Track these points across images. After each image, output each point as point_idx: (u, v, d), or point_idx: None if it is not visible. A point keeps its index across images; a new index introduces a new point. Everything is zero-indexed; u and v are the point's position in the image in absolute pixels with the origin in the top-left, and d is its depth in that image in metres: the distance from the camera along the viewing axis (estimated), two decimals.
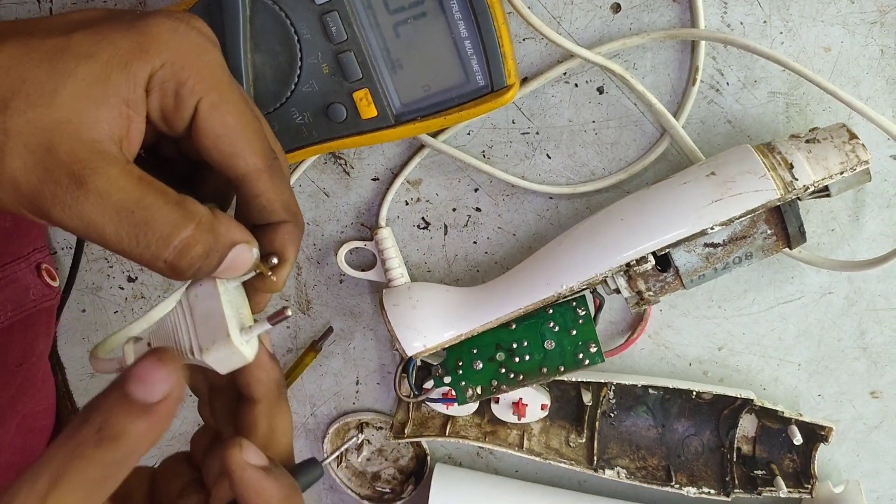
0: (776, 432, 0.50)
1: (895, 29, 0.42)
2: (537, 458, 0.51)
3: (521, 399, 0.50)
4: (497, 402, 0.51)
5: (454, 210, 0.49)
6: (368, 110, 0.42)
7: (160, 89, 0.29)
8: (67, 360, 0.55)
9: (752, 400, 0.48)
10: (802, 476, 0.50)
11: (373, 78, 0.41)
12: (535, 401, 0.50)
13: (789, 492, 0.49)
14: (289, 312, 0.32)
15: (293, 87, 0.41)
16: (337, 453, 0.54)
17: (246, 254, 0.31)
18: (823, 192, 0.41)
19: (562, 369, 0.43)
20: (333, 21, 0.40)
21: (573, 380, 0.50)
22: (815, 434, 0.49)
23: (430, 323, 0.45)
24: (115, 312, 0.53)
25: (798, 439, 0.48)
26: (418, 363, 0.47)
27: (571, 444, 0.53)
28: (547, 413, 0.51)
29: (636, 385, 0.50)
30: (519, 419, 0.50)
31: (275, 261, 0.32)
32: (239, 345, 0.31)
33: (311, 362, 0.53)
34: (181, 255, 0.28)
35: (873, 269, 0.44)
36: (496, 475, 0.56)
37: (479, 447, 0.55)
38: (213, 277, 0.31)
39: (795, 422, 0.49)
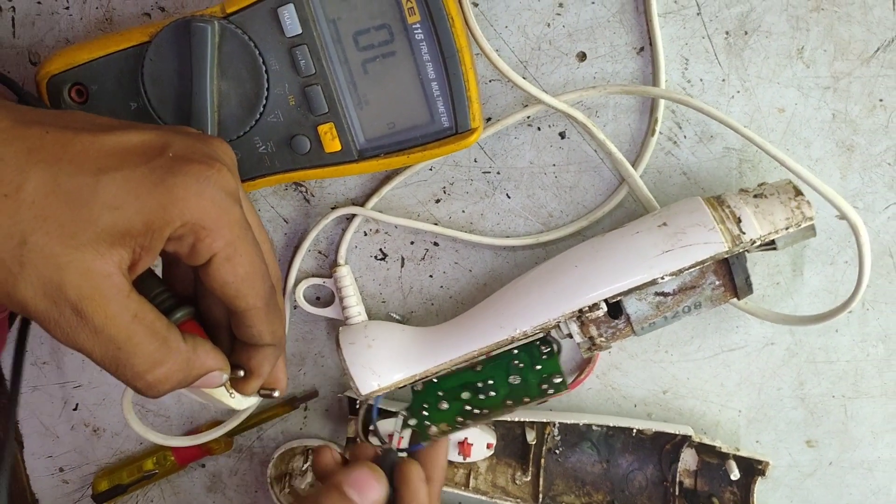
0: (717, 466, 0.51)
1: (847, 95, 0.44)
2: (483, 497, 0.52)
3: (466, 439, 0.50)
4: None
5: (412, 243, 0.49)
6: (332, 144, 0.42)
7: (177, 241, 0.31)
8: (9, 372, 0.54)
9: (690, 436, 0.49)
10: None
11: (339, 112, 0.41)
12: (480, 440, 0.51)
13: None
14: (276, 395, 0.39)
15: (258, 116, 0.41)
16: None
17: (216, 378, 0.35)
18: (770, 245, 0.42)
19: (527, 400, 0.43)
20: (303, 55, 0.40)
21: (517, 419, 0.50)
22: (753, 468, 0.50)
23: (386, 363, 0.45)
24: None
25: (735, 474, 0.49)
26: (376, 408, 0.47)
27: (517, 481, 0.53)
28: (493, 452, 0.51)
29: (578, 424, 0.50)
30: (464, 459, 0.50)
31: (241, 374, 0.37)
32: (241, 407, 0.40)
33: (282, 414, 0.53)
34: (150, 387, 0.32)
35: (815, 325, 0.46)
36: None
37: None
38: None
39: (733, 457, 0.50)
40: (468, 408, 0.43)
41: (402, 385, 0.45)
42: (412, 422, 0.44)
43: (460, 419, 0.43)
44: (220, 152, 0.33)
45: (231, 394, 0.37)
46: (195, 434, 0.53)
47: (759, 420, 0.51)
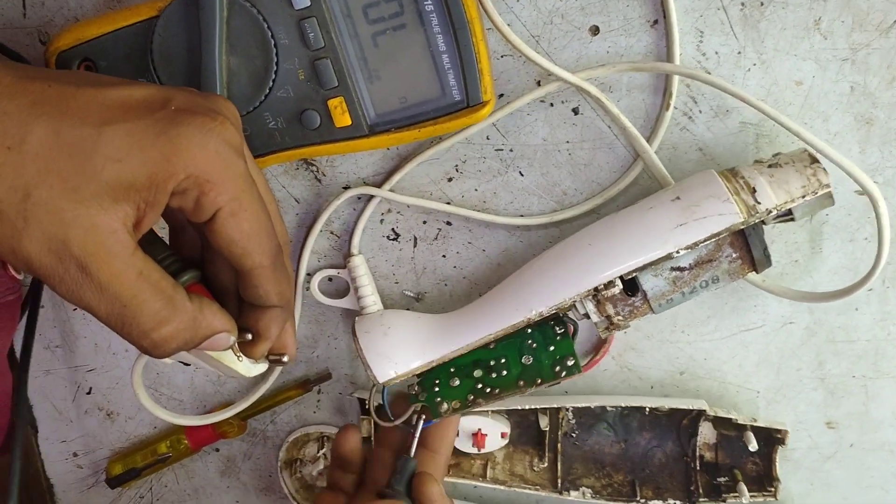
0: (735, 439, 0.50)
1: (866, 67, 0.43)
2: (501, 487, 0.51)
3: (479, 430, 0.50)
4: (457, 434, 0.51)
5: (424, 223, 0.49)
6: (342, 119, 0.42)
7: (182, 195, 0.31)
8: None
9: (704, 410, 0.49)
10: (765, 479, 0.50)
11: (348, 86, 0.41)
12: (494, 430, 0.50)
13: (752, 496, 0.49)
14: (285, 360, 0.39)
15: (267, 91, 0.41)
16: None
17: (223, 340, 0.35)
18: (787, 216, 0.42)
19: (539, 382, 0.43)
20: (311, 27, 0.40)
21: (528, 406, 0.50)
22: (772, 437, 0.49)
23: (402, 350, 0.45)
24: (73, 310, 0.52)
25: (753, 445, 0.48)
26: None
27: (535, 468, 0.52)
28: (507, 441, 0.51)
29: (590, 406, 0.50)
30: (479, 450, 0.50)
31: (249, 337, 0.36)
32: (250, 374, 0.39)
33: (295, 397, 0.52)
34: (156, 346, 0.32)
35: (834, 301, 0.45)
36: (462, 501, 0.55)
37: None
38: None
39: (751, 427, 0.49)
40: (480, 386, 0.43)
41: (419, 372, 0.44)
42: (423, 397, 0.43)
43: (472, 397, 0.43)
44: (223, 108, 0.33)
45: (239, 357, 0.37)
46: (212, 413, 0.52)
47: (778, 401, 0.51)
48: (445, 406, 0.43)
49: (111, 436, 0.55)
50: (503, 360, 0.43)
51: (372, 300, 0.48)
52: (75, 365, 0.54)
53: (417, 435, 0.44)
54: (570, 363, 0.42)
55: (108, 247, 0.29)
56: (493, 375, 0.43)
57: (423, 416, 0.44)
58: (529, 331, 0.44)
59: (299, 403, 0.54)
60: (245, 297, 0.36)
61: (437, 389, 0.43)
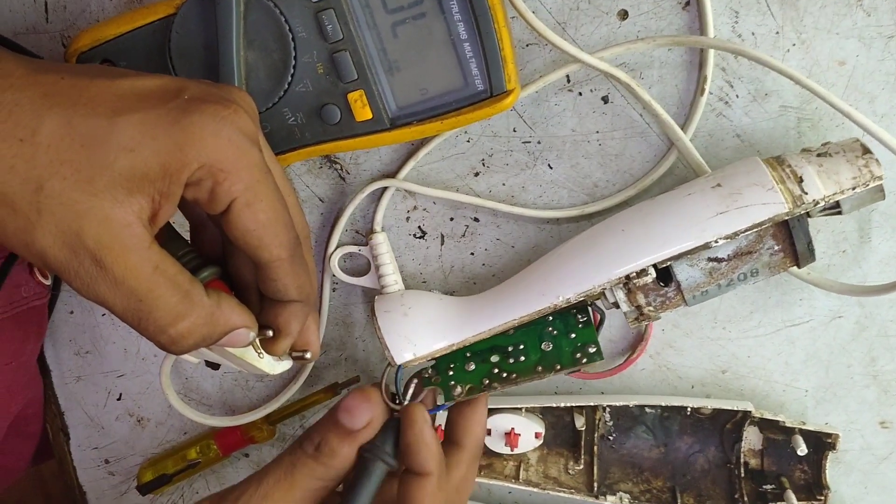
0: (783, 443, 0.48)
1: None
2: (535, 489, 0.49)
3: (512, 429, 0.48)
4: (489, 433, 0.49)
5: (451, 220, 0.47)
6: (363, 112, 0.41)
7: (196, 186, 0.30)
8: (53, 363, 0.54)
9: (750, 412, 0.46)
10: (815, 487, 0.47)
11: (368, 79, 0.40)
12: (527, 430, 0.48)
13: None
14: (307, 356, 0.39)
15: (286, 86, 0.40)
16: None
17: (243, 336, 0.34)
18: (834, 208, 0.39)
19: (558, 367, 0.41)
20: (329, 19, 0.39)
21: (563, 405, 0.48)
22: (822, 442, 0.47)
23: (422, 332, 0.44)
24: (102, 315, 0.52)
25: (802, 449, 0.46)
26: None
27: (570, 471, 0.51)
28: (542, 441, 0.49)
29: (628, 405, 0.48)
30: (512, 450, 0.48)
31: (270, 333, 0.35)
32: (274, 372, 0.38)
33: (323, 401, 0.51)
34: (174, 342, 0.31)
35: (885, 294, 0.42)
36: None
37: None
38: None
39: (799, 431, 0.47)
40: (496, 371, 0.41)
41: (438, 355, 0.43)
42: (436, 380, 0.42)
43: (486, 381, 0.41)
44: (237, 97, 0.32)
45: (260, 354, 0.36)
46: (241, 415, 0.52)
47: (828, 400, 0.48)
48: (459, 389, 0.41)
49: (142, 442, 0.55)
50: (521, 346, 0.42)
51: (393, 279, 0.47)
52: (105, 371, 0.53)
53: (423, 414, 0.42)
54: (591, 350, 0.40)
55: (123, 240, 0.29)
56: (511, 361, 0.42)
57: (435, 401, 0.42)
58: (551, 318, 0.42)
59: (328, 407, 0.53)
60: (264, 291, 0.35)
61: (451, 373, 0.42)
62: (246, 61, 0.40)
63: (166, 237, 0.35)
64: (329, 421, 0.38)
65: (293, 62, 0.40)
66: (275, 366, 0.38)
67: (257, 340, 0.35)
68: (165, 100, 0.30)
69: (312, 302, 0.37)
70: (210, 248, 0.37)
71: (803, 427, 0.47)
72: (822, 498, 0.47)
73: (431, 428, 0.38)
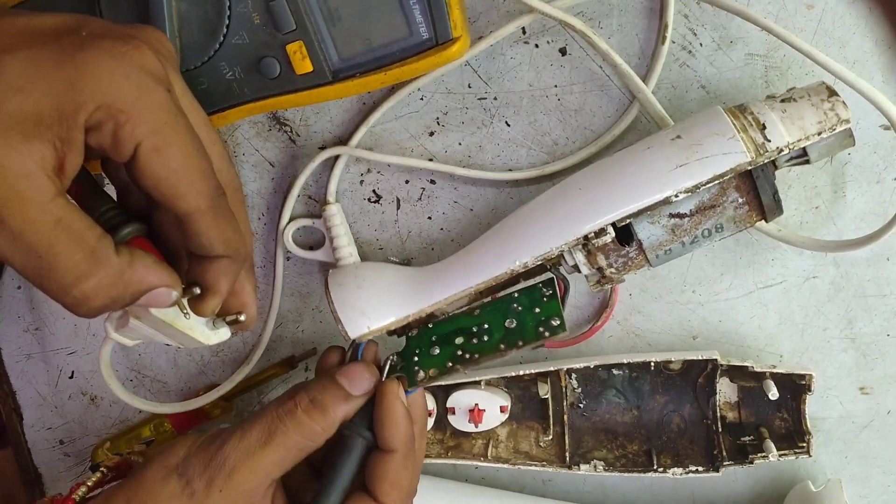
0: (757, 391, 0.46)
1: None
2: (505, 465, 0.47)
3: (476, 405, 0.46)
4: (453, 413, 0.47)
5: (407, 182, 0.45)
6: (303, 65, 0.38)
7: (98, 131, 0.28)
8: (2, 341, 0.52)
9: (715, 359, 0.44)
10: (796, 434, 0.45)
11: (308, 29, 0.38)
12: (491, 404, 0.46)
13: (783, 454, 0.44)
14: (242, 319, 0.36)
15: (221, 38, 0.38)
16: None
17: (164, 295, 0.31)
18: (802, 157, 0.37)
19: (520, 344, 0.39)
20: None
21: (523, 373, 0.46)
22: (797, 385, 0.45)
23: (376, 304, 0.41)
24: None
25: (774, 393, 0.43)
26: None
27: (542, 443, 0.49)
28: (507, 415, 0.47)
29: (590, 366, 0.46)
30: (476, 426, 0.46)
31: (197, 291, 0.33)
32: (209, 341, 0.37)
33: (281, 374, 0.49)
34: (79, 303, 0.29)
35: (860, 249, 0.40)
36: (462, 483, 0.51)
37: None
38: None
39: (770, 375, 0.44)
40: (459, 353, 0.39)
41: (394, 327, 0.41)
42: (400, 367, 0.40)
43: (450, 364, 0.39)
44: (142, 34, 0.30)
45: (186, 314, 0.34)
46: (192, 399, 0.50)
47: (804, 366, 0.46)
48: (422, 374, 0.39)
49: (96, 421, 0.53)
50: (486, 326, 0.40)
51: (348, 251, 0.45)
52: (56, 348, 0.52)
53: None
54: (555, 323, 0.38)
55: (20, 191, 0.27)
56: (475, 341, 0.39)
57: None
58: (517, 295, 0.40)
59: (287, 382, 0.51)
60: (189, 247, 0.33)
61: (416, 359, 0.40)
62: (178, 12, 0.38)
63: (88, 192, 0.32)
64: (327, 381, 0.37)
65: (227, 12, 0.38)
66: (209, 335, 0.36)
67: (185, 302, 0.33)
68: (59, 36, 0.28)
69: (243, 258, 0.34)
70: (138, 210, 0.35)
71: (774, 371, 0.44)
72: (805, 445, 0.45)
73: (402, 405, 0.37)
